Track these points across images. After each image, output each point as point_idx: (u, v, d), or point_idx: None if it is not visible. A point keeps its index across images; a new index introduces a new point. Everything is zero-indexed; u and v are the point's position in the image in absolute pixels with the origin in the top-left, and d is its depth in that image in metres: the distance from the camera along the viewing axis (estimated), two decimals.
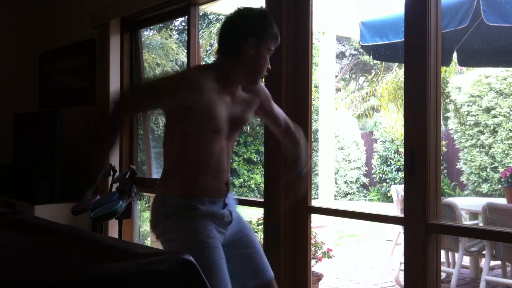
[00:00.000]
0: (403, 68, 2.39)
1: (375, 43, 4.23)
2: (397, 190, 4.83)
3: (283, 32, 2.59)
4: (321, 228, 5.04)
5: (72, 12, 4.37)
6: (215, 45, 9.57)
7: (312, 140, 2.74)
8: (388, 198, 10.23)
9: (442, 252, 4.19)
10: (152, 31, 8.90)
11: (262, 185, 4.16)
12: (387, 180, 10.57)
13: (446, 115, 9.18)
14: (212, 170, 1.90)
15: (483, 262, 3.97)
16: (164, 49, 8.80)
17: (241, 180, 10.50)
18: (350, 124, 11.44)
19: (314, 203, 2.74)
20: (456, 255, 4.03)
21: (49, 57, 4.63)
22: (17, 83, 4.75)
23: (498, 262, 3.97)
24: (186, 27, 3.79)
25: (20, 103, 4.64)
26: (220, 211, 1.92)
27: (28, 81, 4.79)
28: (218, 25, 9.03)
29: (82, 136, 4.16)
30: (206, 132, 1.87)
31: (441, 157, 5.72)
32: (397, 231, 4.62)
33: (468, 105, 8.54)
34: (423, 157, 2.07)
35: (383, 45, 4.24)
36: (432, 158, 2.08)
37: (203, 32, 9.43)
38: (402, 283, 2.34)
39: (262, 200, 2.74)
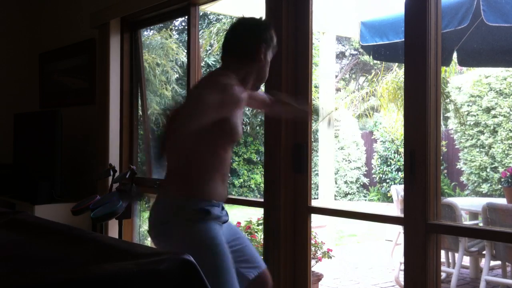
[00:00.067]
0: (403, 68, 2.39)
1: (375, 43, 4.23)
2: (397, 190, 4.83)
3: (283, 32, 2.59)
4: (321, 228, 5.05)
5: (72, 12, 4.37)
6: (215, 45, 9.61)
7: (312, 140, 2.75)
8: (388, 198, 10.23)
9: (442, 252, 4.19)
10: (152, 31, 8.90)
11: (262, 185, 4.16)
12: (387, 180, 10.57)
13: (446, 115, 9.18)
14: (223, 176, 1.99)
15: (483, 262, 3.98)
16: (164, 49, 8.80)
17: (241, 180, 10.50)
18: (350, 124, 11.44)
19: (314, 203, 2.73)
20: (456, 255, 4.03)
21: (49, 57, 4.63)
22: (17, 83, 4.75)
23: (498, 262, 3.97)
24: (186, 27, 3.80)
25: (20, 103, 4.64)
26: (221, 213, 1.99)
27: (28, 81, 4.79)
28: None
29: (82, 136, 4.17)
30: (227, 141, 1.97)
31: (441, 157, 5.72)
32: (397, 231, 4.62)
33: (468, 105, 8.54)
34: (423, 157, 2.07)
35: (383, 45, 4.24)
36: (432, 158, 2.08)
37: (203, 32, 9.43)
38: (402, 283, 2.34)
39: (262, 200, 2.74)
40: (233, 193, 10.05)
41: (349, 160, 11.18)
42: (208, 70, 9.97)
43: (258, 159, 10.61)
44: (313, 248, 3.74)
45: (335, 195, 8.61)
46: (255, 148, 10.73)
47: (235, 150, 10.23)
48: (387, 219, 2.94)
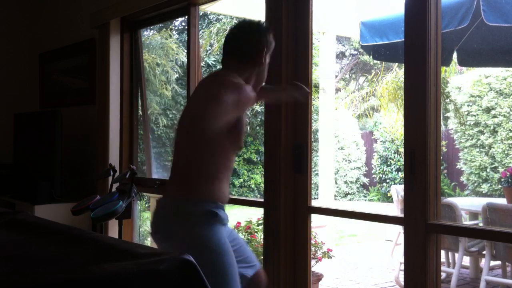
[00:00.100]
0: (403, 68, 2.39)
1: (375, 43, 4.23)
2: (397, 190, 4.84)
3: (283, 32, 2.59)
4: (321, 228, 5.05)
5: (72, 12, 4.37)
6: (215, 45, 9.61)
7: (312, 140, 2.75)
8: (388, 198, 10.23)
9: (442, 252, 4.19)
10: (152, 31, 8.90)
11: (262, 185, 4.16)
12: (387, 180, 10.57)
13: (446, 115, 9.18)
14: (228, 177, 2.03)
15: (483, 262, 3.98)
16: (164, 49, 8.80)
17: (241, 180, 10.50)
18: (350, 124, 11.44)
19: (314, 203, 2.73)
20: (456, 255, 4.03)
21: (49, 57, 4.63)
22: (17, 83, 4.75)
23: (498, 262, 3.98)
24: (186, 27, 3.80)
25: (20, 103, 4.64)
26: (225, 214, 2.03)
27: (28, 81, 4.79)
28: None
29: (82, 136, 4.17)
30: (234, 142, 2.00)
31: (441, 157, 5.72)
32: (397, 231, 4.62)
33: (468, 105, 8.54)
34: (423, 157, 2.07)
35: (383, 45, 4.24)
36: (432, 158, 2.07)
37: (203, 32, 9.43)
38: (402, 283, 2.34)
39: (262, 200, 2.74)
40: (233, 193, 10.05)
41: (349, 160, 11.18)
42: (208, 70, 9.98)
43: (258, 159, 10.61)
44: (313, 248, 3.74)
45: (335, 195, 8.61)
46: (255, 148, 10.73)
47: None
48: (387, 219, 2.94)
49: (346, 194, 11.11)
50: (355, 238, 7.38)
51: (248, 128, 10.57)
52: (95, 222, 2.96)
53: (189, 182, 1.98)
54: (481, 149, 8.42)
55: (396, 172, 10.42)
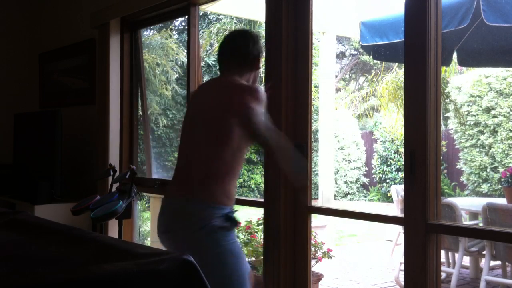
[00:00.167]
0: (403, 68, 2.39)
1: (375, 43, 4.23)
2: (397, 190, 4.83)
3: (283, 32, 2.59)
4: (321, 228, 5.05)
5: (72, 12, 4.37)
6: (215, 45, 9.60)
7: (312, 140, 2.75)
8: (388, 198, 10.23)
9: (442, 252, 4.19)
10: (152, 31, 8.90)
11: (262, 185, 4.16)
12: (387, 180, 10.57)
13: (446, 115, 9.18)
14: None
15: (483, 262, 3.98)
16: (164, 49, 8.80)
17: (241, 180, 10.50)
18: (350, 124, 11.44)
19: (314, 203, 2.73)
20: (456, 255, 4.03)
21: (49, 57, 4.63)
22: (17, 83, 4.75)
23: (498, 262, 3.97)
24: (186, 27, 3.80)
25: (20, 103, 4.64)
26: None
27: (28, 81, 4.79)
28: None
29: (82, 136, 4.16)
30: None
31: (441, 157, 5.72)
32: (397, 231, 4.62)
33: (468, 105, 8.54)
34: (423, 157, 2.07)
35: (383, 45, 4.24)
36: (432, 158, 2.07)
37: (203, 32, 9.43)
38: (402, 283, 2.34)
39: (262, 200, 2.74)
40: None
41: (349, 160, 11.18)
42: (208, 70, 9.98)
43: (258, 159, 10.61)
44: (313, 248, 3.74)
45: (335, 195, 8.60)
46: (255, 148, 10.73)
47: None
48: (387, 219, 2.94)
49: (346, 194, 11.11)
50: (355, 238, 7.38)
51: None
52: (95, 222, 2.96)
53: (208, 184, 2.00)
54: (481, 149, 8.42)
55: (396, 172, 10.42)
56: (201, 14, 6.24)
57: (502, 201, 4.41)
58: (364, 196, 11.16)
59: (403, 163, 2.33)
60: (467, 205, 4.44)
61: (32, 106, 4.71)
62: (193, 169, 2.04)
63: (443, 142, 9.30)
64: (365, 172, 11.28)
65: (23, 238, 1.64)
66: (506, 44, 4.38)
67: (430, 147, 2.07)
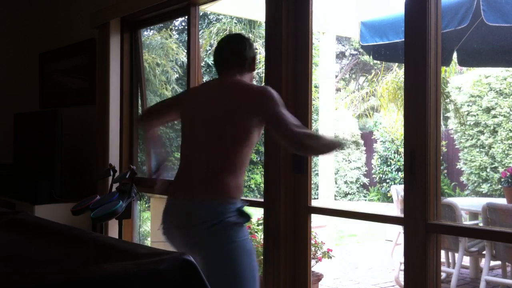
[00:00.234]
0: (403, 68, 2.39)
1: (375, 43, 4.23)
2: (397, 190, 4.83)
3: (283, 32, 2.59)
4: (321, 228, 5.04)
5: (72, 12, 4.37)
6: (215, 45, 9.59)
7: None
8: (388, 198, 10.23)
9: (442, 252, 4.19)
10: (152, 31, 8.90)
11: (262, 185, 4.16)
12: (387, 180, 10.57)
13: (446, 115, 9.18)
14: None
15: (483, 262, 3.98)
16: (164, 49, 8.80)
17: None
18: (350, 124, 11.44)
19: (314, 203, 2.73)
20: (456, 255, 4.03)
21: (49, 57, 4.63)
22: (17, 83, 4.75)
23: (498, 262, 3.97)
24: (186, 27, 3.80)
25: (20, 103, 4.64)
26: None
27: (28, 81, 4.79)
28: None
29: (82, 136, 4.16)
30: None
31: (441, 157, 5.72)
32: (397, 231, 4.62)
33: (468, 105, 8.54)
34: (423, 157, 2.07)
35: (383, 45, 4.24)
36: (432, 158, 2.07)
37: (203, 32, 9.43)
38: (402, 283, 2.34)
39: (262, 200, 2.74)
40: None
41: (349, 160, 11.18)
42: (208, 70, 9.98)
43: (258, 159, 10.61)
44: (313, 248, 3.74)
45: (335, 195, 8.61)
46: (255, 148, 10.72)
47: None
48: (387, 219, 2.94)
49: (346, 194, 11.11)
50: (355, 238, 7.38)
51: None
52: (95, 222, 2.96)
53: (222, 179, 2.02)
54: (481, 149, 8.42)
55: (396, 172, 10.42)
56: (201, 14, 6.24)
57: (502, 201, 4.41)
58: (364, 196, 11.16)
59: (403, 163, 2.33)
60: (467, 205, 4.44)
61: (32, 106, 4.71)
62: (206, 166, 2.06)
63: (443, 142, 9.30)
64: (365, 172, 11.29)
65: (23, 238, 1.64)
66: (506, 44, 4.38)
67: (430, 147, 2.07)
